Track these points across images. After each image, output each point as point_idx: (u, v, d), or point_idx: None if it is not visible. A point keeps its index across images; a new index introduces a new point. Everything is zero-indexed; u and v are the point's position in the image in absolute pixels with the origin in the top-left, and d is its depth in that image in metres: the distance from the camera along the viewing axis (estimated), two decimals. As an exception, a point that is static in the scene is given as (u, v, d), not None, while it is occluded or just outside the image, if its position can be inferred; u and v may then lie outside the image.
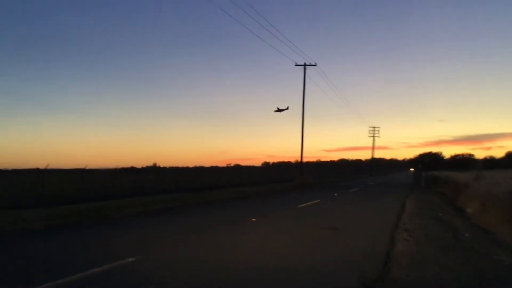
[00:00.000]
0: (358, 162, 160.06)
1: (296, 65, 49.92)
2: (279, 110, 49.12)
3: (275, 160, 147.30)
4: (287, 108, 48.81)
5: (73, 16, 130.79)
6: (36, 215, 16.41)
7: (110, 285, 7.10)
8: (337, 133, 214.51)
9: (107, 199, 24.82)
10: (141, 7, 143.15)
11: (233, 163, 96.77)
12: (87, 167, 30.42)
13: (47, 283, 6.93)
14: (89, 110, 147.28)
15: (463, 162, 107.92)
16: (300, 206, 22.38)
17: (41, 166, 25.32)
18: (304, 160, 52.80)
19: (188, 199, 26.24)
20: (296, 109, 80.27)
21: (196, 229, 13.89)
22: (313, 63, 50.00)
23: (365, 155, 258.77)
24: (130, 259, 8.88)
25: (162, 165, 76.45)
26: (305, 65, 49.69)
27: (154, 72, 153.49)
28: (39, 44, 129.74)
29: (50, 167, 25.54)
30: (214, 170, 61.00)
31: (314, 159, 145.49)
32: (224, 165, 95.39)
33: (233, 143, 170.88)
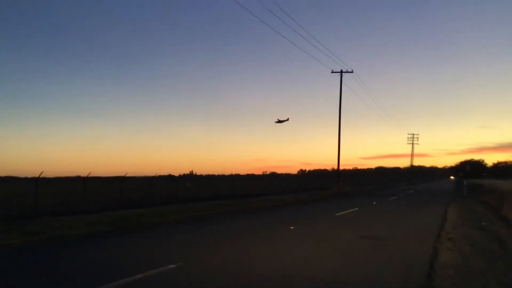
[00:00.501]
0: (396, 170, 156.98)
1: (333, 72, 49.62)
2: (279, 121, 49.91)
3: (311, 167, 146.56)
4: (287, 119, 49.43)
5: (108, 18, 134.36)
6: (78, 222, 16.85)
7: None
8: (374, 141, 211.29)
9: (146, 206, 25.25)
10: (181, 12, 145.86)
11: (269, 171, 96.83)
12: (127, 175, 31.05)
13: (93, 289, 7.09)
14: (128, 119, 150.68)
15: (507, 170, 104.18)
16: (338, 214, 22.12)
17: (83, 174, 26.06)
18: (341, 167, 52.36)
19: (224, 206, 26.38)
20: (332, 116, 79.67)
21: (233, 237, 13.94)
22: (349, 70, 49.63)
23: (403, 163, 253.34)
24: (171, 266, 8.98)
25: (198, 173, 77.28)
26: (341, 72, 49.34)
27: (192, 81, 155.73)
28: (81, 53, 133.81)
29: (91, 175, 26.23)
30: (250, 178, 61.13)
31: (351, 167, 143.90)
32: (260, 172, 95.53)
33: (269, 150, 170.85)
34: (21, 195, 25.93)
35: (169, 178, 43.59)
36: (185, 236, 14.39)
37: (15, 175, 31.08)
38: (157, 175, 34.48)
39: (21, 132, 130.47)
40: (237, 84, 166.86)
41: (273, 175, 79.68)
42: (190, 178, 54.33)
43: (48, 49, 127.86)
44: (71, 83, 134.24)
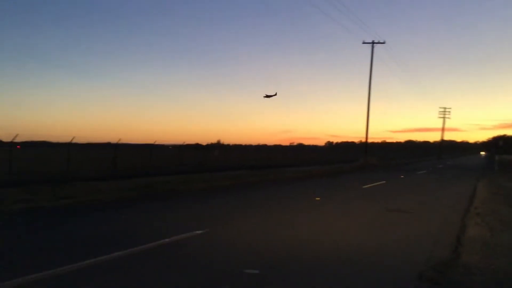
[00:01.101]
0: (426, 144, 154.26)
1: (364, 43, 48.58)
2: (267, 96, 50.61)
3: (339, 140, 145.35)
4: (275, 94, 50.24)
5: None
6: (109, 188, 17.26)
7: (180, 255, 7.36)
8: (404, 114, 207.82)
9: (174, 174, 25.62)
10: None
11: (296, 142, 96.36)
12: (156, 143, 31.47)
13: (122, 251, 7.31)
14: (158, 88, 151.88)
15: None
16: (365, 187, 22.02)
17: (113, 140, 26.51)
18: (369, 140, 51.78)
19: (251, 176, 26.54)
20: (362, 88, 78.32)
21: (259, 206, 14.07)
22: (381, 41, 48.44)
23: (433, 137, 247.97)
24: (198, 232, 9.16)
25: (226, 143, 77.69)
26: (373, 43, 48.26)
27: (220, 51, 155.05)
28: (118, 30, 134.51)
29: (121, 141, 26.69)
30: (277, 149, 61.12)
31: (379, 140, 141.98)
32: (287, 143, 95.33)
33: (296, 122, 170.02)
34: (53, 160, 26.65)
35: (197, 147, 43.99)
36: (211, 204, 14.60)
37: (48, 140, 31.87)
38: (184, 143, 34.76)
39: (53, 98, 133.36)
40: (265, 55, 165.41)
41: (300, 147, 79.33)
42: (218, 147, 54.77)
43: (94, 23, 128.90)
44: (104, 53, 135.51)
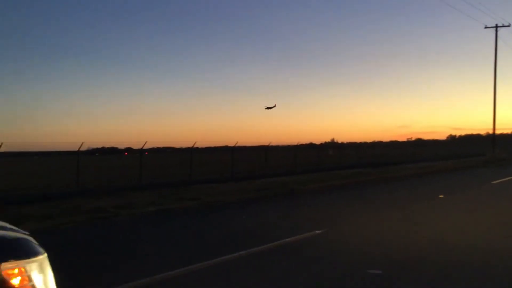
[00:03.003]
0: None
1: (486, 27, 44.90)
2: (268, 108, 50.11)
3: (462, 133, 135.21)
4: (275, 106, 49.85)
5: None
6: (229, 189, 18.00)
7: (302, 255, 7.44)
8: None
9: (289, 174, 25.89)
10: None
11: (414, 137, 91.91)
12: (271, 144, 32.09)
13: (246, 250, 7.59)
14: (272, 90, 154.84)
15: None
16: (494, 182, 20.35)
17: (231, 143, 27.60)
18: (498, 132, 47.72)
19: (368, 174, 25.93)
20: (486, 76, 72.61)
21: (378, 205, 13.71)
22: (506, 24, 44.41)
23: None
24: (317, 232, 9.18)
25: (340, 141, 76.70)
26: (496, 26, 44.41)
27: (332, 47, 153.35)
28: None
29: (238, 144, 27.69)
30: (394, 145, 58.84)
31: (510, 131, 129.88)
32: (404, 139, 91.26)
33: (413, 116, 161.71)
34: (177, 165, 28.46)
35: (311, 146, 44.02)
36: (328, 203, 14.55)
37: (172, 145, 34.11)
38: (299, 143, 34.99)
39: (176, 106, 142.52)
40: (378, 47, 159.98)
41: (419, 142, 75.48)
42: (332, 146, 54.32)
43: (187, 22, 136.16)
44: (216, 56, 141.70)
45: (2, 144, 16.15)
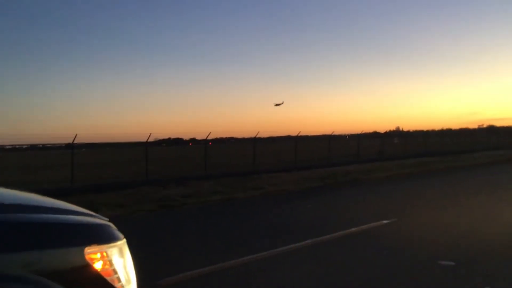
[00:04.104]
0: None
1: None
2: (277, 105, 51.56)
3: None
4: (282, 103, 51.43)
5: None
6: (292, 178, 18.01)
7: (369, 244, 7.28)
8: None
9: (353, 163, 25.54)
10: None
11: (485, 124, 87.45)
12: (333, 133, 31.76)
13: (312, 239, 7.55)
14: (334, 80, 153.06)
15: None
16: None
17: (293, 133, 27.61)
18: None
19: (436, 163, 25.02)
20: None
21: (447, 195, 13.18)
22: None
23: None
24: (385, 221, 8.96)
25: (405, 129, 74.56)
26: None
27: (397, 35, 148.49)
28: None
29: (301, 134, 27.63)
30: (465, 133, 56.27)
31: None
32: (475, 126, 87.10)
33: (485, 102, 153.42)
34: (239, 155, 28.81)
35: (375, 135, 43.13)
36: (395, 193, 14.17)
37: (235, 136, 34.62)
38: (362, 132, 34.42)
39: (239, 99, 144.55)
40: (446, 33, 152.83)
41: (491, 129, 71.77)
42: (397, 135, 52.86)
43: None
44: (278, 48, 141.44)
45: (76, 135, 17.09)
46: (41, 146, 22.57)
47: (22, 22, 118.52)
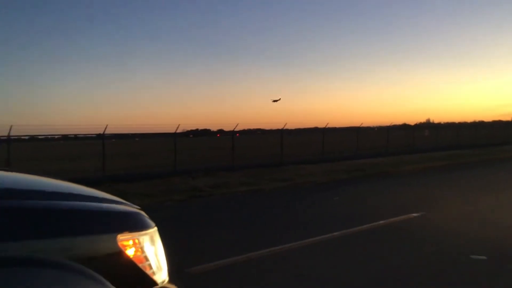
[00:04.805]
0: None
1: None
2: (274, 101, 51.58)
3: None
4: (279, 99, 51.62)
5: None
6: (319, 170, 17.93)
7: (398, 238, 7.22)
8: None
9: (381, 155, 25.26)
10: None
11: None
12: (362, 125, 31.37)
13: (341, 231, 7.56)
14: (362, 72, 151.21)
15: None
16: None
17: (321, 125, 27.43)
18: None
19: (468, 156, 24.54)
20: None
21: (479, 188, 12.93)
22: None
23: None
24: (414, 215, 8.86)
25: (436, 121, 73.11)
26: None
27: (431, 25, 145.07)
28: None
29: (328, 126, 27.40)
30: (497, 125, 54.68)
31: None
32: (509, 119, 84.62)
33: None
34: (266, 146, 28.79)
35: (404, 127, 42.37)
36: (424, 186, 13.96)
37: (262, 127, 34.48)
38: (392, 124, 33.81)
39: (266, 91, 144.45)
40: (480, 23, 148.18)
41: (526, 121, 69.55)
42: (427, 127, 51.88)
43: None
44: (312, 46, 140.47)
45: (107, 126, 17.40)
46: (73, 136, 23.09)
47: (55, 13, 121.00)
